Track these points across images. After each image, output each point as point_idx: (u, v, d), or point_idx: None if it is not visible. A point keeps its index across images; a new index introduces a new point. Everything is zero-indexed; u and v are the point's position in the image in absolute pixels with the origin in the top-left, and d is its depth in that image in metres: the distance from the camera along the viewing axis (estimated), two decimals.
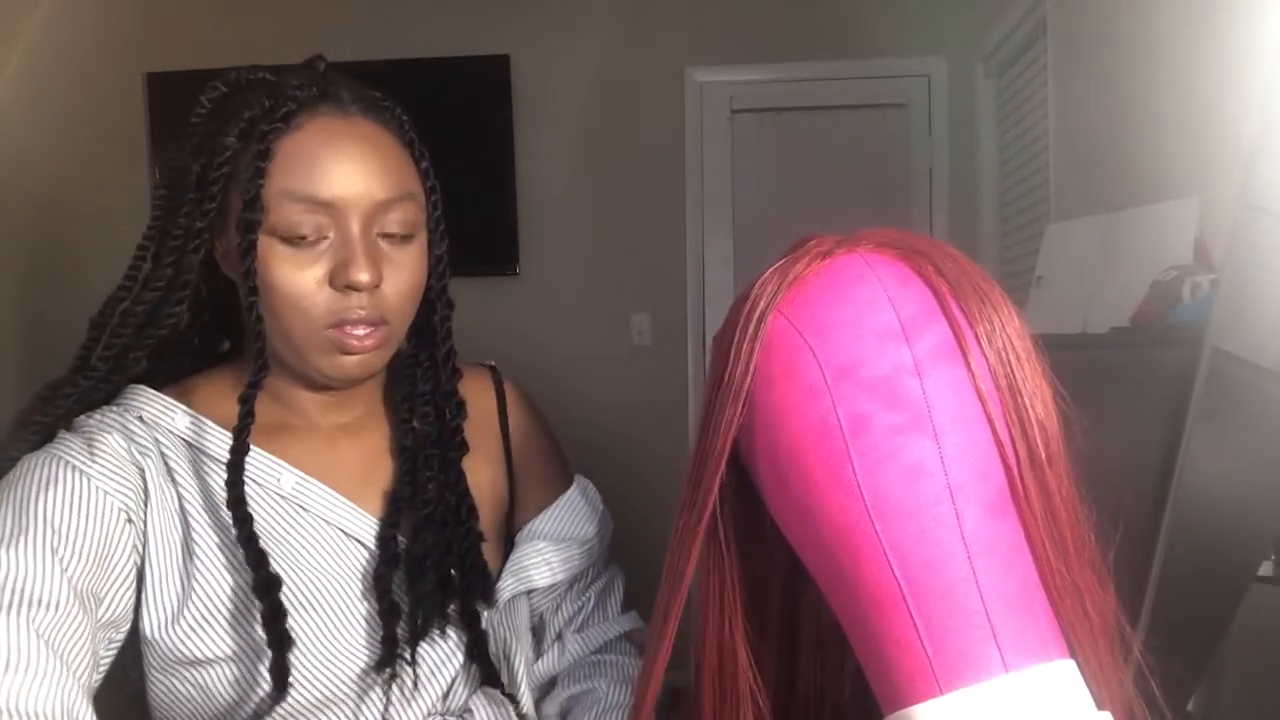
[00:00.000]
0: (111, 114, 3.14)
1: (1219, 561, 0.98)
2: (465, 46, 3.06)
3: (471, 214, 3.11)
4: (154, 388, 0.80)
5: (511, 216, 3.09)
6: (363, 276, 0.73)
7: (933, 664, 0.43)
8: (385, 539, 0.79)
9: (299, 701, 0.75)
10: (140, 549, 0.73)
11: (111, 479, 0.72)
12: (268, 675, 0.72)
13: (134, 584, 0.73)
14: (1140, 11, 1.71)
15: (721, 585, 0.52)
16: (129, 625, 0.73)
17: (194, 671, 0.74)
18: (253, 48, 3.08)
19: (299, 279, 0.73)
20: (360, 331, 0.75)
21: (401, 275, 0.77)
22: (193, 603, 0.73)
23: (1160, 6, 1.64)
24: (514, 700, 0.85)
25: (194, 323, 0.84)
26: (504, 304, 3.12)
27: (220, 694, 0.75)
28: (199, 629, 0.74)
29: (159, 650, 0.74)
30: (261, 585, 0.72)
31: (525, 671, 0.86)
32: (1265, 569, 0.95)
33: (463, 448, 0.85)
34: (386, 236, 0.77)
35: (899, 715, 0.43)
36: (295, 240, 0.73)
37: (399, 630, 0.77)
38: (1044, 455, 0.45)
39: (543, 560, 0.89)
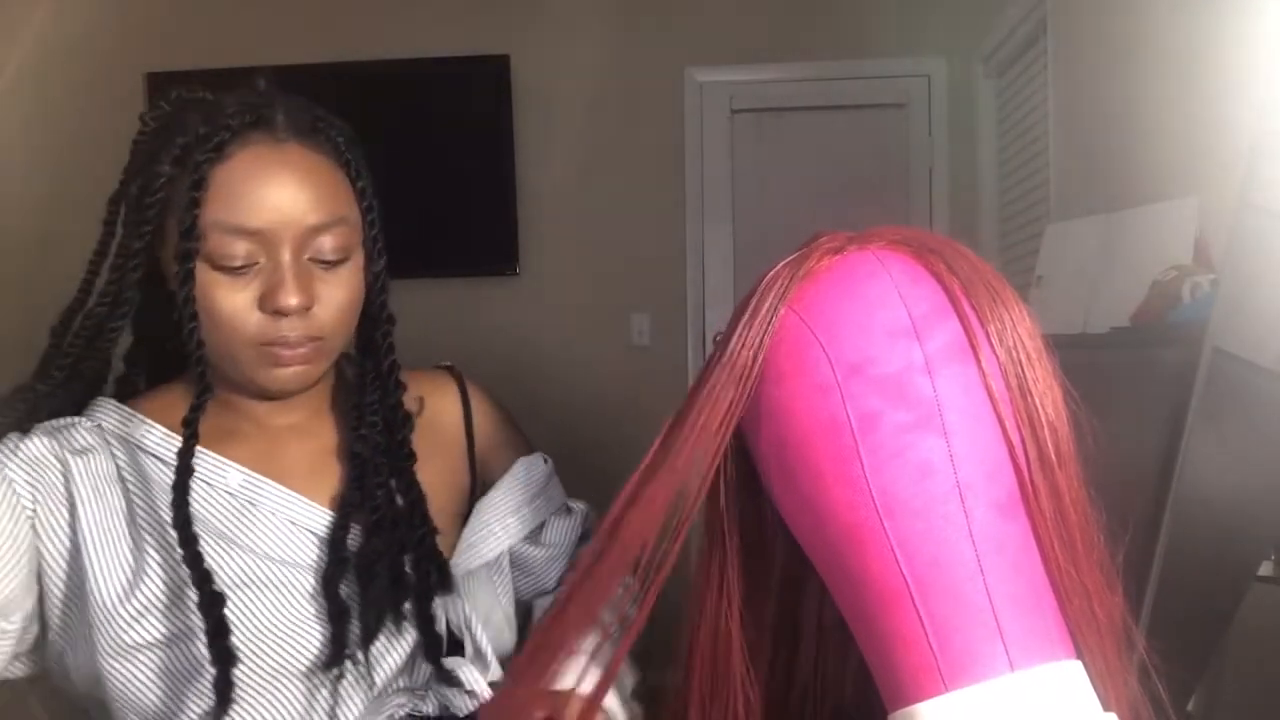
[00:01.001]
0: (111, 114, 3.14)
1: (1219, 561, 0.98)
2: (465, 46, 3.06)
3: (471, 214, 3.12)
4: (125, 395, 0.86)
5: (511, 216, 3.09)
6: (290, 301, 0.76)
7: (938, 661, 0.43)
8: (335, 542, 0.82)
9: (251, 680, 0.77)
10: (51, 547, 0.76)
11: (25, 474, 0.76)
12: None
13: (32, 589, 0.76)
14: (1140, 11, 1.71)
15: (721, 576, 0.52)
16: (18, 616, 0.76)
17: (149, 654, 0.76)
18: (253, 48, 3.09)
19: (232, 303, 0.77)
20: (291, 339, 0.79)
21: (335, 297, 0.80)
22: (142, 589, 0.76)
23: (1160, 7, 1.64)
24: (482, 667, 0.87)
25: (153, 335, 0.88)
26: (504, 304, 3.12)
27: (173, 676, 0.77)
28: (147, 613, 0.76)
29: (109, 634, 0.75)
30: (206, 603, 0.75)
31: (489, 639, 0.88)
32: (1265, 569, 0.95)
33: (410, 457, 0.88)
34: (320, 260, 0.79)
35: (904, 713, 0.43)
36: (228, 267, 0.77)
37: (350, 631, 0.80)
38: (1054, 456, 0.45)
39: (487, 532, 0.91)
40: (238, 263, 0.76)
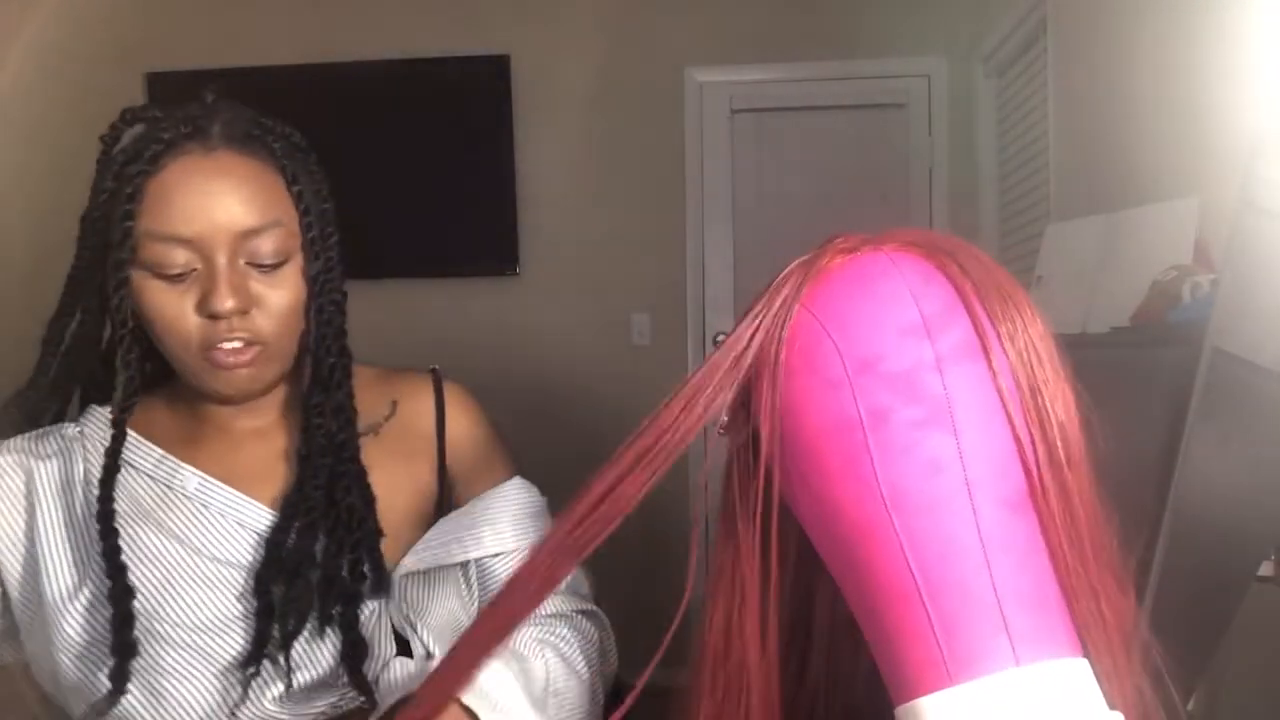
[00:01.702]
0: (111, 114, 3.14)
1: (1219, 561, 0.98)
2: (465, 46, 3.06)
3: (471, 214, 3.12)
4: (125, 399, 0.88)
5: (511, 216, 3.09)
6: (225, 305, 0.79)
7: (944, 655, 0.43)
8: (272, 543, 0.83)
9: (172, 666, 0.81)
10: (7, 554, 0.82)
11: None
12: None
13: None
14: (1140, 11, 1.71)
15: (734, 573, 0.52)
16: None
17: (98, 649, 0.80)
18: (253, 48, 3.09)
19: (170, 309, 0.80)
20: (230, 346, 0.81)
21: (272, 298, 0.82)
22: (87, 588, 0.81)
23: (1160, 6, 1.64)
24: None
25: (133, 345, 0.90)
26: (504, 304, 3.12)
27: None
28: (93, 609, 0.80)
29: (62, 633, 0.80)
30: (116, 594, 0.79)
31: (437, 635, 0.88)
32: (1265, 569, 0.95)
33: (353, 460, 0.88)
34: (257, 265, 0.82)
35: (909, 706, 0.44)
36: (166, 275, 0.79)
37: (274, 630, 0.82)
38: (1063, 456, 0.45)
39: (452, 539, 0.92)
40: (175, 270, 0.79)
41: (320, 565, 0.84)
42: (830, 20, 3.02)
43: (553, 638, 0.91)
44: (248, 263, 0.81)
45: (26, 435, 0.86)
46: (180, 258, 0.79)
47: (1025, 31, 2.42)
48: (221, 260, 0.79)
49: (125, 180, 0.79)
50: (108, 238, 0.80)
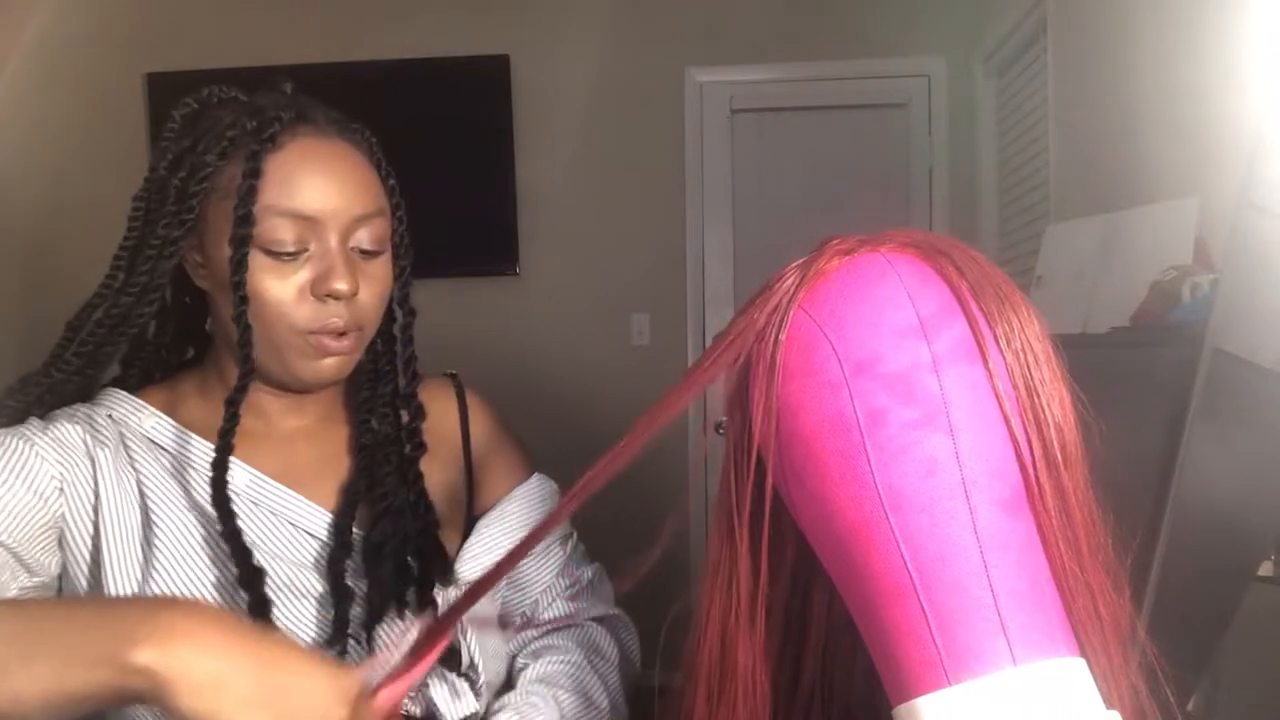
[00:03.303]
0: (111, 114, 3.14)
1: (1219, 561, 0.98)
2: (465, 46, 3.07)
3: (471, 214, 3.12)
4: (127, 390, 0.86)
5: (511, 216, 3.10)
6: (342, 286, 0.79)
7: (942, 656, 0.43)
8: (339, 528, 0.83)
9: None
10: (76, 524, 0.78)
11: (54, 451, 0.77)
12: None
13: (55, 551, 0.77)
14: (1140, 11, 1.71)
15: (731, 571, 0.52)
16: (40, 575, 0.76)
17: None
18: (253, 48, 3.09)
19: (282, 288, 0.79)
20: (339, 332, 0.81)
21: (373, 286, 0.83)
22: (152, 586, 0.77)
23: (1160, 6, 1.64)
24: (472, 678, 0.87)
25: (161, 331, 0.90)
26: (504, 304, 3.13)
27: None
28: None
29: None
30: (246, 579, 0.77)
31: (481, 648, 0.88)
32: (1265, 569, 0.95)
33: (421, 447, 0.89)
34: (359, 250, 0.82)
35: (907, 706, 0.44)
36: (278, 253, 0.78)
37: (354, 614, 0.81)
38: (1060, 456, 0.45)
39: (494, 543, 0.92)
40: (289, 248, 0.78)
41: (392, 554, 0.83)
42: (830, 20, 3.02)
43: (565, 664, 0.92)
44: (352, 248, 0.82)
45: (68, 414, 0.81)
46: (295, 235, 0.78)
47: (1025, 31, 2.42)
48: (335, 242, 0.80)
49: (242, 155, 0.77)
50: (203, 213, 0.79)
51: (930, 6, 2.90)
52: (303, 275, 0.79)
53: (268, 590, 0.79)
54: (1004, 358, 0.46)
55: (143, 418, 0.84)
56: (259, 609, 0.77)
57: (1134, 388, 1.17)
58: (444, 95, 3.07)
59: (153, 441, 0.83)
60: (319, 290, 0.79)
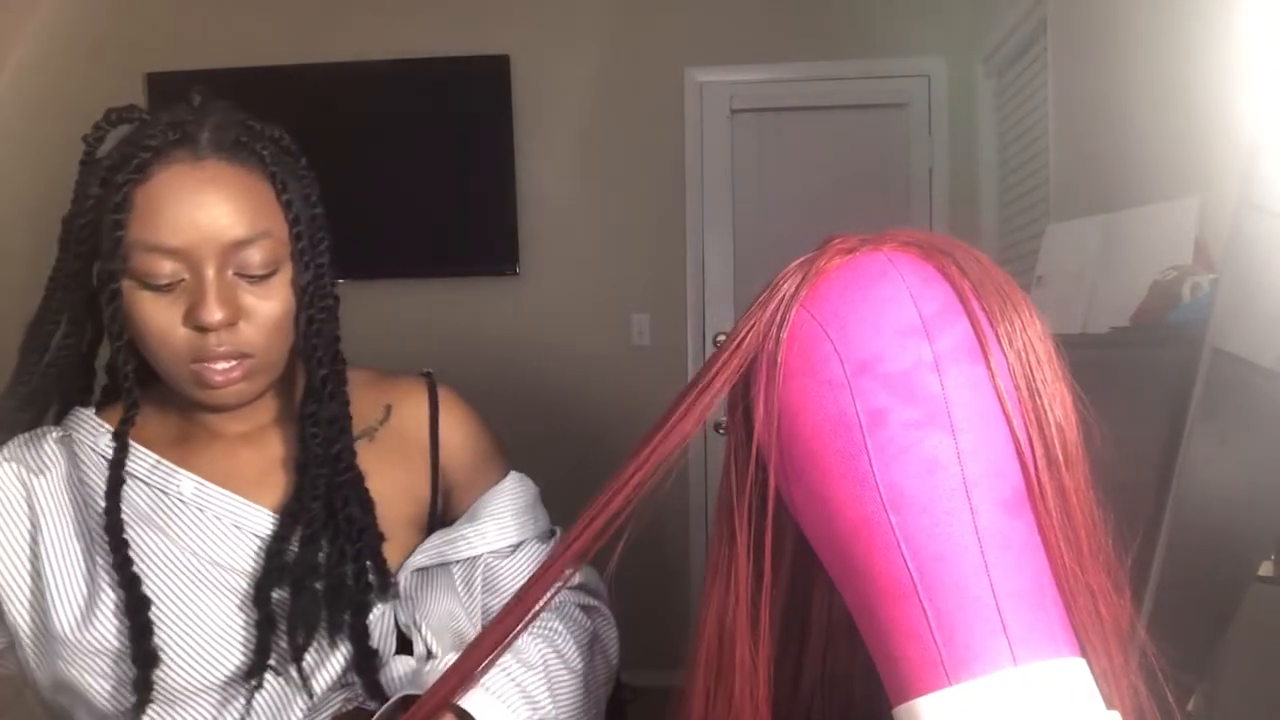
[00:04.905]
0: None
1: (1219, 561, 0.98)
2: (465, 46, 3.06)
3: (471, 214, 3.12)
4: (96, 409, 0.89)
5: (511, 216, 3.09)
6: (212, 318, 0.77)
7: (942, 655, 0.43)
8: (272, 551, 0.83)
9: (178, 683, 0.80)
10: (9, 565, 0.81)
11: None
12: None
13: None
14: (1140, 11, 1.71)
15: (729, 573, 0.52)
16: None
17: (102, 660, 0.80)
18: (253, 48, 3.09)
19: (159, 320, 0.79)
20: (221, 366, 0.80)
21: (262, 310, 0.81)
22: (99, 600, 0.79)
23: (1160, 6, 1.64)
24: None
25: (124, 353, 0.89)
26: (504, 304, 3.12)
27: (123, 680, 0.80)
28: (103, 622, 0.79)
29: (71, 646, 0.79)
30: (131, 606, 0.78)
31: (437, 634, 0.88)
32: (1265, 569, 0.95)
33: (350, 470, 0.87)
34: (246, 275, 0.80)
35: (907, 706, 0.44)
36: (154, 286, 0.78)
37: (279, 641, 0.81)
38: (1061, 457, 0.45)
39: (458, 535, 0.92)
40: (163, 281, 0.78)
41: (324, 575, 0.83)
42: (830, 20, 3.02)
43: (546, 631, 0.91)
44: (236, 274, 0.80)
45: (15, 442, 0.85)
46: (168, 268, 0.77)
47: (1025, 31, 2.42)
48: (210, 272, 0.78)
49: (113, 188, 0.77)
50: (95, 245, 0.80)
51: (930, 6, 2.90)
52: (179, 306, 0.79)
53: (210, 594, 0.81)
54: (1006, 358, 0.46)
55: (99, 438, 0.85)
56: (139, 636, 0.78)
57: (1134, 388, 1.17)
58: (444, 95, 3.07)
59: (104, 459, 0.84)
60: (190, 322, 0.78)
